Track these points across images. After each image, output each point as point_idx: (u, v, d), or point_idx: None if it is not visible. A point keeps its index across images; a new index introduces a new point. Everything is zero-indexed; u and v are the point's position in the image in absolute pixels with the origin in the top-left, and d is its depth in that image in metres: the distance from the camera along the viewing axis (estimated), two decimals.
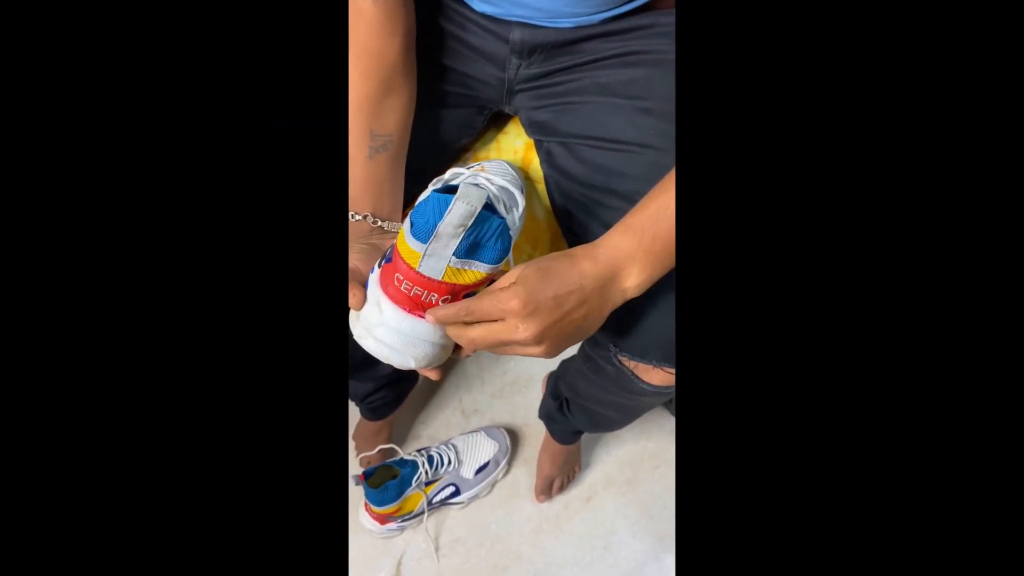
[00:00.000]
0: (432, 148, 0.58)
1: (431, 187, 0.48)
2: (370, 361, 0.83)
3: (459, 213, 0.37)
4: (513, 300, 0.38)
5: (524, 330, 0.39)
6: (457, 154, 0.63)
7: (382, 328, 0.41)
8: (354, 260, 0.46)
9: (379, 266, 0.43)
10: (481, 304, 0.39)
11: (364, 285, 0.44)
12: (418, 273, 0.39)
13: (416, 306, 0.41)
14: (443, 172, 0.62)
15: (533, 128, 0.59)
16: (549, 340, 0.40)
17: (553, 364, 0.97)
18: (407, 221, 0.40)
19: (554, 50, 0.54)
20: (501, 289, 0.39)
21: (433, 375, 0.44)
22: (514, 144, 0.64)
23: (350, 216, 0.49)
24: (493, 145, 0.64)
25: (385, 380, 0.85)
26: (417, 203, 0.40)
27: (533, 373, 1.05)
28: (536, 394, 1.03)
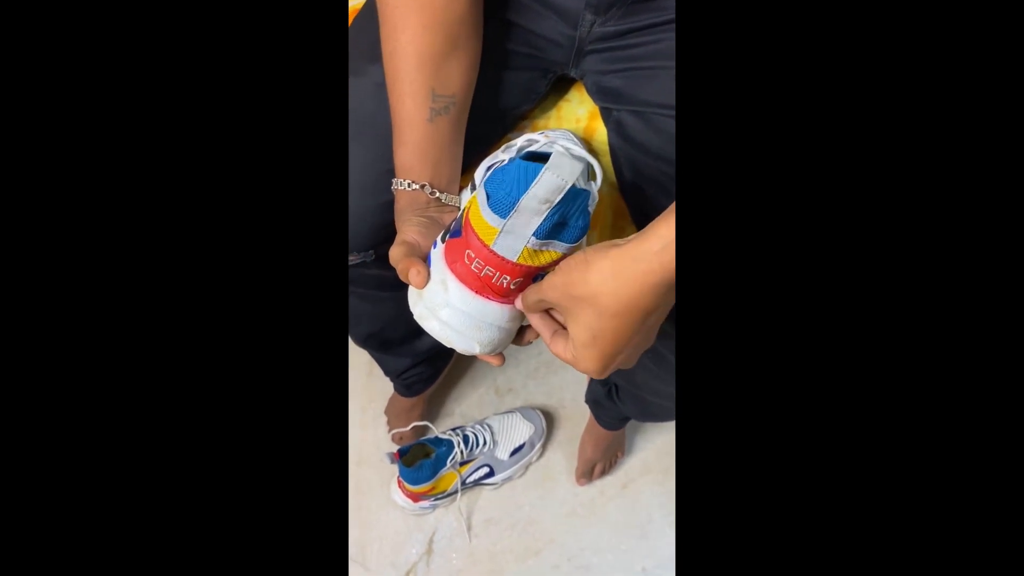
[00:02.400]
0: (489, 114, 0.53)
1: (504, 154, 0.43)
2: (407, 336, 0.81)
3: (548, 186, 0.32)
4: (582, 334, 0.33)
5: (586, 361, 0.34)
6: (515, 122, 0.58)
7: (447, 309, 0.38)
8: (412, 233, 0.42)
9: (443, 240, 0.39)
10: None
11: (426, 261, 0.40)
12: (492, 252, 0.35)
13: (485, 287, 0.37)
14: (499, 141, 0.58)
15: (602, 95, 0.54)
16: (611, 367, 0.35)
17: None
18: (481, 192, 0.35)
19: (634, 5, 0.49)
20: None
21: (495, 361, 0.41)
22: (576, 112, 0.59)
23: (404, 185, 0.45)
24: (553, 113, 0.59)
25: (422, 356, 0.82)
26: (493, 170, 0.35)
27: None
28: (572, 375, 0.99)
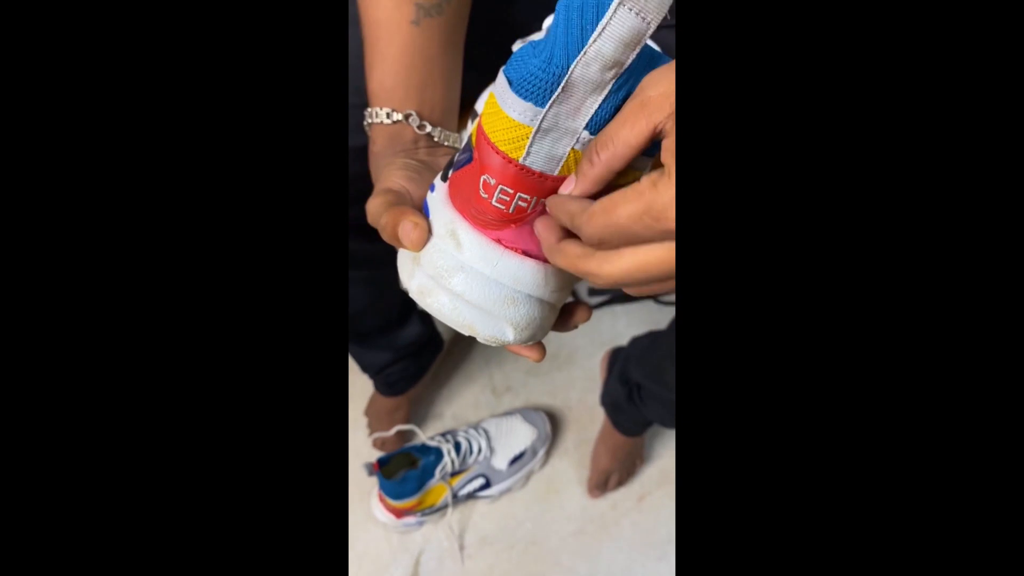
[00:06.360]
0: (488, 31, 0.40)
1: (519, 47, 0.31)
2: (386, 325, 0.70)
3: (622, 33, 0.20)
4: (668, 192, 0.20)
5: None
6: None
7: (461, 275, 0.25)
8: (398, 179, 0.30)
9: (444, 179, 0.27)
10: (618, 210, 0.21)
11: (424, 211, 0.27)
12: (522, 168, 0.23)
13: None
14: (498, 63, 0.46)
15: None
16: None
17: (614, 340, 0.82)
18: (500, 80, 0.23)
19: None
20: (653, 178, 0.21)
21: (534, 355, 0.28)
22: None
23: (382, 116, 0.33)
24: None
25: (406, 350, 0.71)
26: (517, 51, 0.23)
27: (576, 347, 0.91)
28: (579, 371, 0.89)
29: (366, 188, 0.35)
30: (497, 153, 0.23)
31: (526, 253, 0.25)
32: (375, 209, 0.28)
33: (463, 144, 0.26)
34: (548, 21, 0.30)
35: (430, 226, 0.26)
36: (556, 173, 0.23)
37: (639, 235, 0.21)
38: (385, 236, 0.27)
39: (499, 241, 0.25)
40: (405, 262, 0.27)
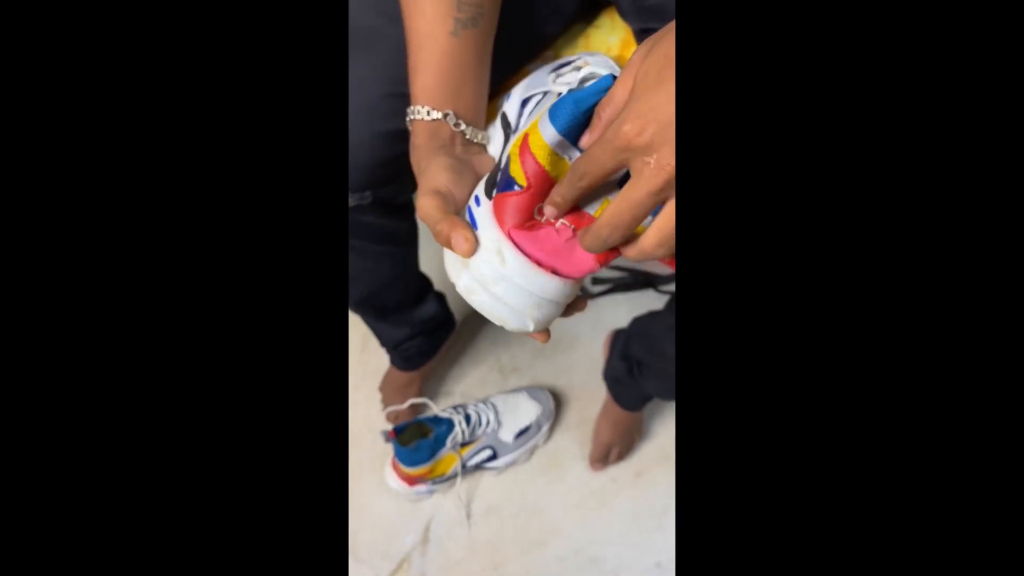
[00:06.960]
0: (511, 33, 0.45)
1: (555, 85, 0.36)
2: (406, 302, 0.74)
3: None
4: (624, 125, 0.25)
5: (660, 165, 0.24)
6: (539, 49, 0.51)
7: (503, 284, 0.31)
8: (443, 180, 0.34)
9: (489, 195, 0.32)
10: (586, 163, 0.28)
11: (466, 218, 0.33)
12: (582, 210, 0.30)
13: (557, 255, 0.32)
14: (520, 71, 0.51)
15: (642, 15, 0.46)
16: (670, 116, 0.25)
17: (615, 325, 0.86)
18: (549, 130, 0.29)
19: None
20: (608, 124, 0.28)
21: (542, 337, 0.34)
22: (607, 40, 0.51)
23: (423, 113, 0.37)
24: (581, 41, 0.52)
25: (422, 327, 0.75)
26: (562, 102, 0.29)
27: (579, 332, 0.95)
28: (581, 354, 0.93)
29: (403, 168, 0.40)
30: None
31: (554, 272, 0.31)
32: (430, 213, 0.33)
33: (501, 157, 0.32)
34: (588, 69, 0.36)
35: (477, 238, 0.32)
36: (594, 213, 0.30)
37: (604, 161, 0.27)
38: (439, 240, 0.32)
39: (536, 262, 0.31)
40: (454, 263, 0.33)
